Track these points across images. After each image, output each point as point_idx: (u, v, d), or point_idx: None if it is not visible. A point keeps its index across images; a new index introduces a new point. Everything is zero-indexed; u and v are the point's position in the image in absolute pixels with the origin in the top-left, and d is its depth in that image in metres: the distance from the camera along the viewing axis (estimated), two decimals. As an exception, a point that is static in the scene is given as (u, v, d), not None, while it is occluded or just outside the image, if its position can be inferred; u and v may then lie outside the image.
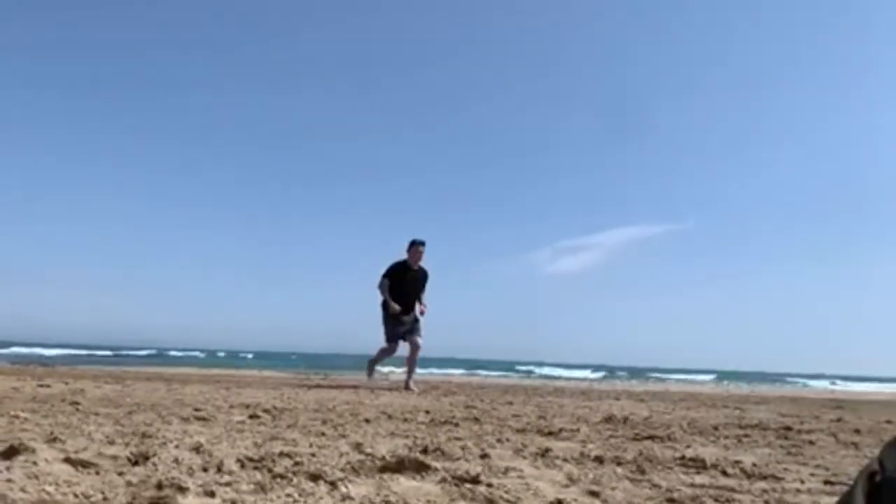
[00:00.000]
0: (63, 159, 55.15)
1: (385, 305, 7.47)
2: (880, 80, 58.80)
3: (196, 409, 3.58)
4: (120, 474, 1.68)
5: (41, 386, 5.38)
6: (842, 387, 23.88)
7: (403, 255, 7.61)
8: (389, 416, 3.69)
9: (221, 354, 36.34)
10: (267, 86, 62.78)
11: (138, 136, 59.31)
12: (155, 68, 57.64)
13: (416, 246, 7.60)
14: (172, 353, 36.46)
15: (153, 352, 36.58)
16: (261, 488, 1.59)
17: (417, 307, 7.60)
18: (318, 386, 7.91)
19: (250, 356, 37.12)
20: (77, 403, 3.75)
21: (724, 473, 2.00)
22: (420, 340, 7.44)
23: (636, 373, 31.95)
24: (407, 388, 7.18)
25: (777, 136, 63.32)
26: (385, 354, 7.63)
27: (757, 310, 72.95)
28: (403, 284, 7.47)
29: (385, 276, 7.52)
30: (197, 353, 35.59)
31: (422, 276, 7.62)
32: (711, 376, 30.24)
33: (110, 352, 33.33)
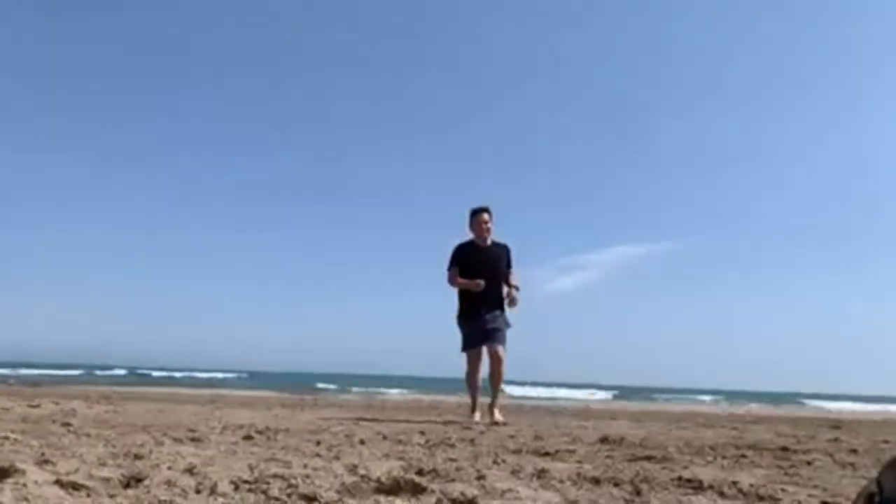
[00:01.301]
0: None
1: (461, 306, 5.67)
2: (880, 95, 59.72)
3: (189, 430, 3.54)
4: (112, 497, 1.66)
5: (32, 406, 5.32)
6: (839, 406, 23.82)
7: (468, 235, 5.77)
8: (384, 438, 3.66)
9: (203, 376, 34.96)
10: (262, 98, 63.36)
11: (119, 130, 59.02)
12: (161, 82, 58.11)
13: (477, 216, 5.65)
14: (140, 371, 34.89)
15: (123, 372, 35.03)
16: (254, 511, 1.57)
17: (504, 294, 5.62)
18: (313, 406, 7.84)
19: (227, 376, 35.50)
20: (68, 424, 3.71)
21: (722, 494, 1.99)
22: (502, 350, 5.51)
23: (636, 393, 31.79)
24: (491, 417, 5.37)
25: (775, 153, 64.13)
26: (472, 372, 5.56)
27: (756, 329, 73.19)
28: (475, 271, 5.57)
29: (450, 266, 5.66)
30: (174, 374, 34.16)
31: (498, 255, 5.69)
32: (718, 397, 30.03)
33: (77, 371, 31.93)
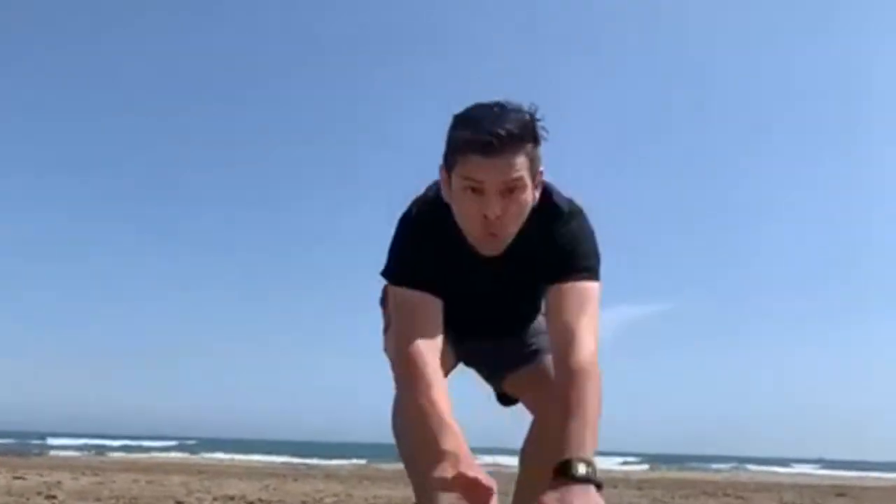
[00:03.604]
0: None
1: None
2: (870, 150, 61.20)
3: (179, 502, 3.46)
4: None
5: (16, 478, 5.18)
6: (844, 472, 23.25)
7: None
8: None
9: (172, 443, 32.60)
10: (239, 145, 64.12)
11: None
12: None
13: (469, 156, 1.01)
14: (96, 441, 32.18)
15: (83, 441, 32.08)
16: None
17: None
18: (305, 476, 7.65)
19: (193, 442, 33.01)
20: (53, 497, 3.62)
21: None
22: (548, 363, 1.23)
23: (643, 459, 30.83)
24: None
25: (766, 209, 65.11)
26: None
27: (756, 391, 72.21)
28: (464, 316, 1.23)
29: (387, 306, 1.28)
30: (128, 443, 31.17)
31: (525, 255, 1.14)
32: (730, 464, 28.97)
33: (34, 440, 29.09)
